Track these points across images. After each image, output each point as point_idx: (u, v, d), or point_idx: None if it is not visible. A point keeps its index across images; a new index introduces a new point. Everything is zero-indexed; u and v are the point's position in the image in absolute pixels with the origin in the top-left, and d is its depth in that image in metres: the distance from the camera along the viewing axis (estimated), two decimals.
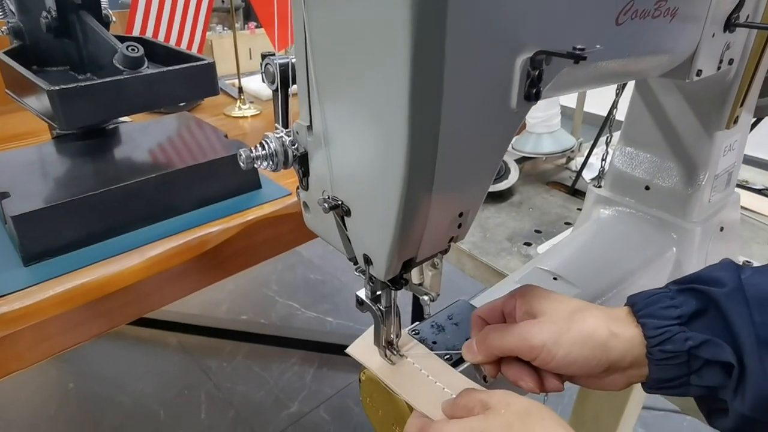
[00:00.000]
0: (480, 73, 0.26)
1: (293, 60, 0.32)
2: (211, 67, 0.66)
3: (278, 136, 0.31)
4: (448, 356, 0.39)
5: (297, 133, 0.31)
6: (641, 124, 0.62)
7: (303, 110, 0.31)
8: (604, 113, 0.94)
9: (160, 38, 1.19)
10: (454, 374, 0.38)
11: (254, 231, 0.67)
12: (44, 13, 0.65)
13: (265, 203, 0.70)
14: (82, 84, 0.54)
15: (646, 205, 0.63)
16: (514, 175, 0.88)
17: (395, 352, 0.39)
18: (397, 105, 0.24)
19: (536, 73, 0.28)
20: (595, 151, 0.96)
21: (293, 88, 0.32)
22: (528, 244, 0.76)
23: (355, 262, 0.33)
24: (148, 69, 0.63)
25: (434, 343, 0.41)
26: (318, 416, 1.44)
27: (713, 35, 0.46)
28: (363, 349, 0.40)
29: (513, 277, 0.54)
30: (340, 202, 0.30)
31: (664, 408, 1.46)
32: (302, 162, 0.32)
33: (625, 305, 0.37)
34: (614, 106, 0.66)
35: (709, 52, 0.46)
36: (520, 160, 0.97)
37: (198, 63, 0.65)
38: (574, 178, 0.95)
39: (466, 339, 0.41)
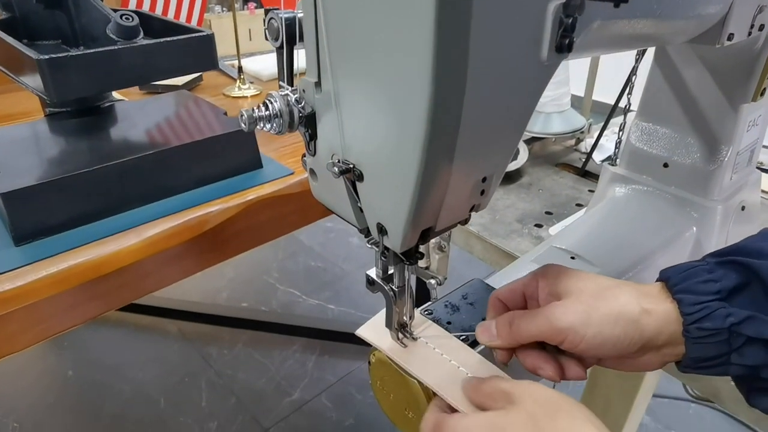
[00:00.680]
0: (509, 19, 0.24)
1: (300, 15, 0.29)
2: (210, 39, 0.63)
3: (283, 94, 0.28)
4: (464, 337, 0.37)
5: (303, 91, 0.29)
6: (660, 98, 0.59)
7: (310, 67, 0.28)
8: (612, 101, 0.91)
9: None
10: (471, 353, 0.36)
11: (255, 211, 0.65)
12: None
13: (266, 183, 0.67)
14: (73, 53, 0.51)
15: (664, 182, 0.60)
16: (523, 156, 0.86)
17: (408, 335, 0.36)
18: (419, 58, 0.22)
19: (569, 21, 0.25)
20: (605, 133, 0.94)
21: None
22: (539, 225, 0.74)
23: (367, 234, 0.30)
24: (143, 40, 0.60)
25: (449, 323, 0.39)
26: (320, 403, 1.43)
27: None
28: (374, 330, 0.37)
29: (528, 257, 0.52)
30: (351, 166, 0.27)
31: (670, 395, 1.44)
32: (309, 123, 0.29)
33: (657, 280, 0.34)
34: (633, 72, 0.63)
35: (741, 14, 0.43)
36: (529, 141, 0.94)
37: (196, 34, 0.62)
38: (584, 160, 0.92)
39: (482, 319, 0.39)
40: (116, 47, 0.55)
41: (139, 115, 0.74)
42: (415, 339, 0.36)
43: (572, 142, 1.03)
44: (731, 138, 0.55)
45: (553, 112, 0.92)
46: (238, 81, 1.05)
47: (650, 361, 0.33)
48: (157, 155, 0.62)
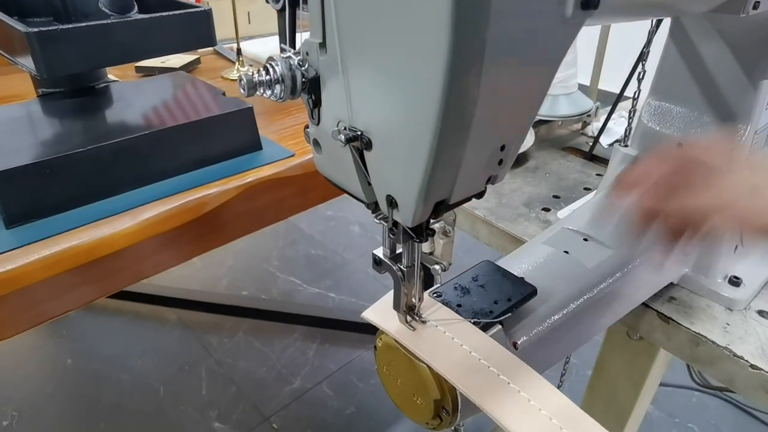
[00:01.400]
0: None
1: None
2: (208, 15, 0.60)
3: (285, 57, 0.26)
4: (475, 320, 0.35)
5: (307, 54, 0.27)
6: (675, 76, 0.57)
7: (314, 26, 0.26)
8: (617, 90, 0.89)
9: None
10: (484, 338, 0.34)
11: (255, 194, 0.63)
12: None
13: (265, 165, 0.65)
14: (63, 26, 0.49)
15: None
16: (529, 139, 0.84)
17: (417, 318, 0.34)
18: (436, 13, 0.20)
19: None
20: (613, 116, 0.92)
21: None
22: (546, 209, 0.72)
23: (375, 209, 0.28)
24: (137, 15, 0.58)
25: (459, 306, 0.37)
26: (321, 392, 1.42)
27: None
28: (380, 312, 0.35)
29: (539, 239, 0.50)
30: (359, 133, 0.25)
31: (674, 384, 1.43)
32: (313, 88, 0.27)
33: None
34: (648, 44, 0.60)
35: None
36: (536, 124, 0.92)
37: (193, 9, 0.59)
38: (591, 144, 0.90)
39: (494, 302, 0.37)
40: (109, 21, 0.52)
41: (134, 95, 0.72)
42: (424, 322, 0.35)
43: (578, 126, 1.01)
44: (749, 116, 0.53)
45: (561, 94, 0.90)
46: (237, 63, 1.03)
47: None
48: (154, 135, 0.60)
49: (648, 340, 0.63)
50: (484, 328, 0.35)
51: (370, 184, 0.27)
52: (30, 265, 0.49)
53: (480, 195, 0.28)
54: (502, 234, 0.68)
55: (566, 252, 0.46)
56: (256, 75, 0.26)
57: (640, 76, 0.61)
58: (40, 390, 1.41)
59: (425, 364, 0.33)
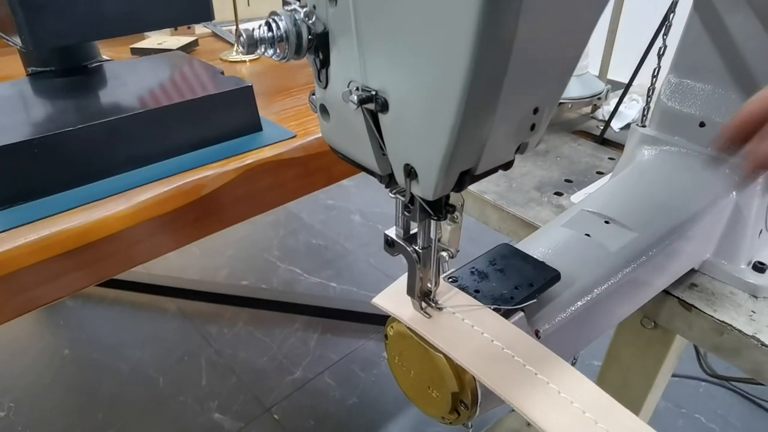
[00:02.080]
0: None
1: None
2: None
3: (290, 9, 0.23)
4: (496, 306, 0.33)
5: (314, 6, 0.24)
6: (699, 50, 0.54)
7: None
8: (626, 80, 0.86)
9: None
10: (506, 325, 0.31)
11: (255, 176, 0.60)
12: None
13: (266, 146, 0.62)
14: None
15: (700, 143, 0.55)
16: None
17: (433, 305, 0.32)
18: None
19: None
20: (624, 100, 0.88)
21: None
22: (559, 193, 0.69)
23: (390, 182, 0.25)
24: None
25: (476, 291, 0.34)
26: (323, 382, 1.39)
27: None
28: (392, 298, 0.33)
29: (557, 221, 0.47)
30: (373, 93, 0.22)
31: (680, 374, 1.41)
32: (320, 46, 0.24)
33: None
34: (671, 9, 0.56)
35: None
36: None
37: None
38: (602, 128, 0.87)
39: (515, 287, 0.34)
40: None
41: (129, 74, 0.69)
42: (440, 309, 0.32)
43: (588, 109, 0.98)
44: None
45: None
46: (236, 45, 0.99)
47: None
48: (148, 115, 0.57)
49: (667, 328, 0.60)
50: (505, 315, 0.32)
51: (384, 153, 0.24)
52: (16, 249, 0.46)
53: (508, 165, 0.25)
54: (513, 219, 0.65)
55: (587, 235, 0.43)
56: (256, 30, 0.23)
57: (661, 51, 0.58)
58: (38, 380, 1.39)
59: (442, 353, 0.30)
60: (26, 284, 0.47)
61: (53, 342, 1.51)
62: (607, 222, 0.46)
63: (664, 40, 0.57)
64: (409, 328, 0.32)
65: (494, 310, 0.32)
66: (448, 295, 0.33)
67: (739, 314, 0.50)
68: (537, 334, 0.34)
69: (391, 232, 0.30)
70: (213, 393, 1.35)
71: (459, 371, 0.30)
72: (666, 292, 0.52)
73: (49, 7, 0.45)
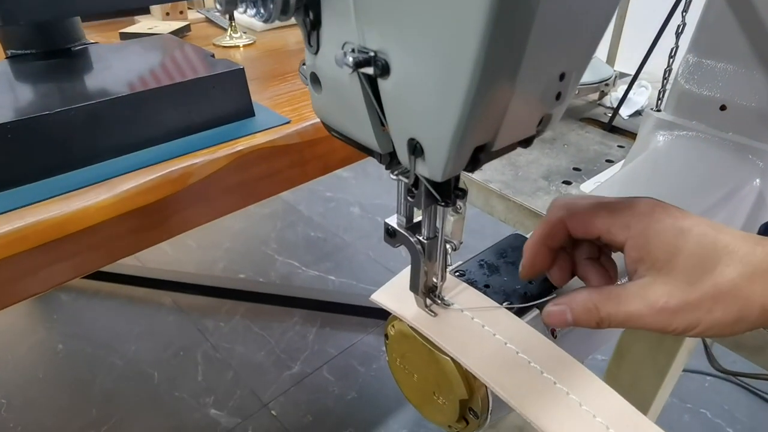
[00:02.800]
0: None
1: None
2: None
3: None
4: (508, 303, 0.29)
5: None
6: (720, 28, 0.50)
7: None
8: (633, 72, 0.82)
9: None
10: (519, 324, 0.28)
11: (246, 164, 0.56)
12: None
13: (258, 132, 0.59)
14: None
15: (720, 128, 0.52)
16: None
17: (439, 302, 0.28)
18: None
19: None
20: (633, 87, 0.85)
21: None
22: (567, 182, 0.65)
23: (390, 162, 0.22)
24: None
25: (486, 287, 0.31)
26: (321, 377, 1.37)
27: None
28: (393, 295, 0.29)
29: None
30: (371, 55, 0.19)
31: (686, 369, 1.39)
32: (311, 4, 0.20)
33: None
34: None
35: None
36: None
37: None
38: (610, 115, 0.84)
39: (529, 281, 0.31)
40: None
41: (115, 57, 0.65)
42: (447, 306, 0.29)
43: (595, 96, 0.94)
44: None
45: None
46: (229, 29, 0.96)
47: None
48: (133, 98, 0.54)
49: None
50: (519, 313, 0.29)
51: (385, 127, 0.21)
52: None
53: (528, 142, 0.22)
54: (520, 209, 0.62)
55: None
56: None
57: (679, 30, 0.54)
58: (31, 375, 1.36)
59: (449, 357, 0.27)
60: (1, 278, 0.44)
61: (47, 336, 1.48)
62: None
63: (683, 16, 0.53)
64: (412, 328, 0.29)
65: (507, 307, 0.29)
66: (456, 290, 0.30)
67: None
68: (553, 334, 0.30)
69: (392, 221, 0.27)
70: (209, 388, 1.32)
71: (468, 376, 0.27)
72: None
73: None
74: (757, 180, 0.49)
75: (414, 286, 0.28)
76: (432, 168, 0.19)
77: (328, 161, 0.64)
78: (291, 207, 2.05)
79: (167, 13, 1.05)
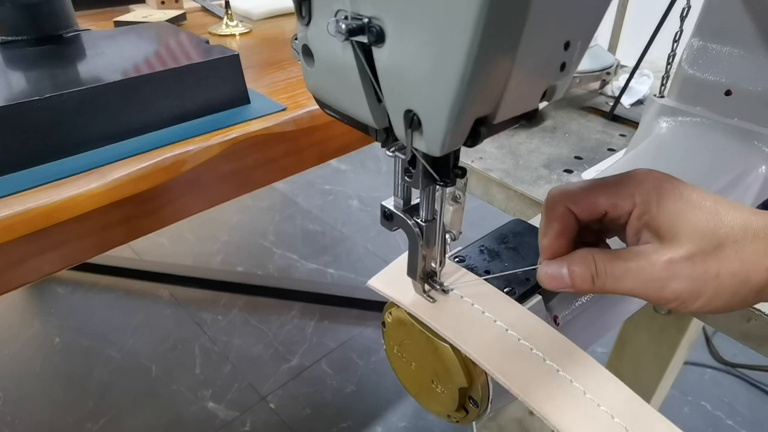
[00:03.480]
0: None
1: None
2: None
3: None
4: (509, 289, 0.28)
5: None
6: (725, 12, 0.49)
7: None
8: (633, 64, 0.81)
9: None
10: (520, 311, 0.27)
11: (241, 152, 0.55)
12: None
13: (253, 119, 0.57)
14: None
15: (725, 114, 0.51)
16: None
17: (438, 287, 0.27)
18: None
19: None
20: (634, 76, 0.84)
21: None
22: (569, 171, 0.64)
23: (386, 138, 0.21)
24: None
25: (486, 272, 0.30)
26: (320, 370, 1.36)
27: None
28: (390, 280, 0.28)
29: None
30: (365, 21, 0.18)
31: (687, 361, 1.38)
32: None
33: None
34: None
35: None
36: None
37: None
38: (612, 104, 0.82)
39: (531, 267, 0.30)
40: None
41: (107, 44, 0.64)
42: (446, 291, 0.28)
43: (596, 85, 0.93)
44: None
45: None
46: (225, 18, 0.94)
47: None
48: (125, 84, 0.52)
49: (683, 313, 0.56)
50: (521, 299, 0.28)
51: (380, 100, 0.20)
52: None
53: (531, 116, 0.21)
54: (521, 198, 0.61)
55: None
56: None
57: (684, 13, 0.53)
58: (28, 369, 1.36)
59: (448, 344, 0.26)
60: None
61: (43, 330, 1.47)
62: None
63: (682, 17, 0.52)
64: (410, 315, 0.28)
65: (508, 293, 0.28)
66: (455, 276, 0.29)
67: None
68: (555, 321, 0.29)
69: (389, 203, 0.25)
70: (207, 381, 1.32)
71: (467, 363, 0.26)
72: None
73: None
74: (763, 167, 0.48)
75: (412, 271, 0.27)
76: (430, 142, 0.18)
77: (324, 149, 0.63)
78: (289, 200, 2.04)
79: (162, 2, 1.03)
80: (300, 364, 1.37)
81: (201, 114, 0.58)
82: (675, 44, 0.56)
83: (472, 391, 0.27)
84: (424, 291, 0.27)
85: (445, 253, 0.27)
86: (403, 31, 0.17)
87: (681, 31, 0.55)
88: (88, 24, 0.95)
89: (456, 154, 0.21)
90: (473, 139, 0.19)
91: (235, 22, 0.94)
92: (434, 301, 0.27)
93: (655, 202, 0.25)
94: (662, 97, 0.56)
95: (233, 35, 0.92)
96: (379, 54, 0.18)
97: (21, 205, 0.44)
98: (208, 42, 0.64)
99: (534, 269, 0.29)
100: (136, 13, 0.99)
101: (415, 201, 0.25)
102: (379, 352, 1.39)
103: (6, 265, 0.44)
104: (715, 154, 0.50)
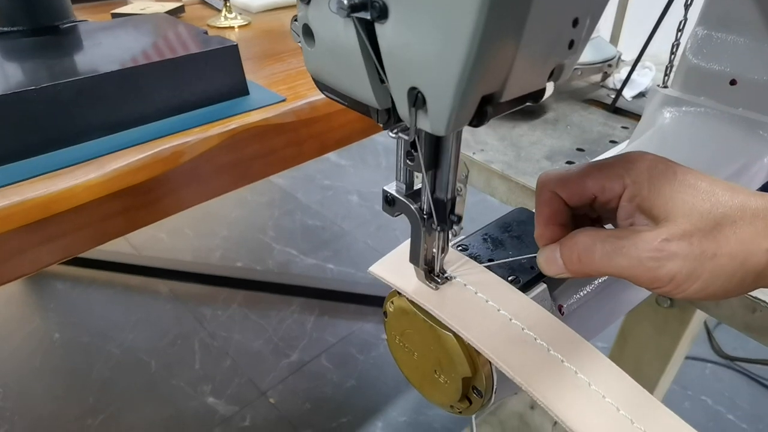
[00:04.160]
0: None
1: None
2: None
3: None
4: (513, 277, 0.28)
5: None
6: (731, 0, 0.48)
7: None
8: (634, 58, 0.80)
9: None
10: (524, 300, 0.26)
11: (240, 143, 0.55)
12: None
13: (252, 110, 0.57)
14: None
15: (729, 103, 0.50)
16: (548, 87, 0.75)
17: (441, 276, 0.27)
18: None
19: None
20: (636, 68, 0.83)
21: None
22: (571, 162, 0.64)
23: (388, 119, 0.20)
24: None
25: (491, 261, 0.29)
26: (320, 365, 1.36)
27: None
28: (393, 267, 0.28)
29: None
30: None
31: (687, 355, 1.38)
32: None
33: None
34: None
35: None
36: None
37: None
38: (613, 97, 0.82)
39: (535, 256, 0.29)
40: None
41: (105, 35, 0.63)
42: (449, 279, 0.27)
43: (598, 77, 0.92)
44: None
45: None
46: (224, 10, 0.93)
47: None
48: (122, 74, 0.52)
49: (685, 306, 0.55)
50: (525, 287, 0.28)
51: (383, 80, 0.19)
52: None
53: (538, 97, 0.20)
54: (523, 190, 0.60)
55: None
56: None
57: (688, 2, 0.52)
58: (27, 365, 1.35)
59: (451, 332, 0.26)
60: None
61: (42, 325, 1.47)
62: None
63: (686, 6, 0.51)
64: (412, 303, 0.27)
65: (512, 281, 0.28)
66: (458, 263, 0.28)
67: None
68: (560, 310, 0.29)
69: (391, 188, 0.25)
70: (207, 376, 1.31)
71: (471, 352, 0.26)
72: None
73: None
74: None
75: (414, 258, 0.26)
76: (435, 121, 0.18)
77: (324, 141, 0.62)
78: (288, 195, 2.04)
79: None
80: (300, 359, 1.37)
81: (199, 105, 0.57)
82: (679, 33, 0.55)
83: (475, 380, 0.26)
84: (427, 278, 0.27)
85: (448, 240, 0.27)
86: (407, 5, 0.16)
87: (685, 19, 0.54)
88: (86, 16, 0.94)
89: (458, 134, 0.20)
90: (479, 118, 0.18)
91: (233, 15, 0.93)
92: (437, 288, 0.27)
93: (646, 183, 0.24)
94: (666, 87, 0.55)
95: (232, 28, 0.91)
96: (382, 30, 0.18)
97: (18, 196, 0.44)
98: (206, 32, 0.64)
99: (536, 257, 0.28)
100: (133, 5, 0.99)
101: (418, 186, 0.25)
102: (379, 347, 1.38)
103: (3, 257, 0.43)
104: (719, 144, 0.49)
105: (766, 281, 0.23)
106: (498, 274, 0.28)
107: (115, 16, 0.93)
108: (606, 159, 0.26)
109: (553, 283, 0.29)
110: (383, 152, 2.25)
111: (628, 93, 0.86)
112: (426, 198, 0.23)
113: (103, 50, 0.58)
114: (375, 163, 2.21)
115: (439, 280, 0.27)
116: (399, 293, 0.28)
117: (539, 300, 0.27)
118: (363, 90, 0.20)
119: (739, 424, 1.23)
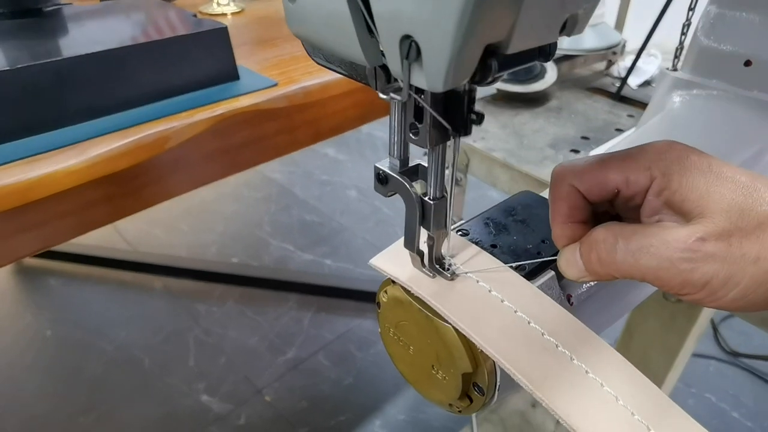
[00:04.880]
0: None
1: None
2: None
3: None
4: (518, 264, 0.25)
5: None
6: None
7: None
8: (638, 46, 0.78)
9: None
10: (531, 290, 0.24)
11: (228, 129, 0.52)
12: None
13: (241, 95, 0.54)
14: None
15: (744, 86, 0.48)
16: (551, 75, 0.73)
17: (441, 264, 0.24)
18: None
19: None
20: (642, 56, 0.81)
21: None
22: (575, 151, 0.61)
23: (382, 80, 0.18)
24: None
25: (493, 247, 0.27)
26: (317, 362, 1.33)
27: None
28: (395, 259, 0.25)
29: None
30: None
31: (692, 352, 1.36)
32: None
33: None
34: None
35: None
36: (557, 60, 0.81)
37: None
38: (618, 85, 0.79)
39: (542, 241, 0.27)
40: None
41: (90, 18, 0.61)
42: (447, 268, 0.25)
43: (602, 66, 0.90)
44: None
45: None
46: None
47: None
48: (105, 56, 0.49)
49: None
50: (531, 275, 0.25)
51: (372, 33, 0.17)
52: None
53: (548, 53, 0.18)
54: (526, 178, 0.58)
55: None
56: None
57: None
58: (19, 362, 1.33)
59: (451, 324, 0.23)
60: None
61: (34, 322, 1.44)
62: None
63: None
64: (408, 293, 0.25)
65: (517, 268, 0.25)
66: (458, 249, 0.26)
67: None
68: (569, 301, 0.27)
69: (384, 165, 0.22)
70: (201, 374, 1.29)
71: (472, 346, 0.23)
72: None
73: None
74: None
75: (409, 242, 0.24)
76: (431, 75, 0.15)
77: (319, 127, 0.60)
78: (285, 190, 2.01)
79: None
80: (297, 357, 1.35)
81: (187, 90, 0.55)
82: (690, 12, 0.52)
83: (477, 377, 0.24)
84: (423, 265, 0.24)
85: (450, 222, 0.24)
86: None
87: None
88: (75, 2, 0.91)
89: (471, 96, 0.18)
90: (483, 73, 0.16)
91: (226, 1, 0.91)
92: (434, 276, 0.24)
93: (677, 176, 0.21)
94: (675, 70, 0.53)
95: (224, 14, 0.88)
96: None
97: None
98: (195, 15, 0.61)
99: (545, 244, 0.26)
100: None
101: (414, 163, 0.22)
102: (377, 344, 1.36)
103: None
104: (733, 129, 0.47)
105: None
106: (501, 260, 0.26)
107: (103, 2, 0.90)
108: (628, 150, 0.23)
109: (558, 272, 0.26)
110: (382, 147, 2.23)
111: (634, 81, 0.84)
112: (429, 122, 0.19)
113: (86, 32, 0.56)
114: (374, 158, 2.18)
115: (444, 271, 0.24)
116: (393, 282, 0.26)
117: (546, 288, 0.25)
118: (350, 45, 0.17)
119: (744, 422, 1.20)
